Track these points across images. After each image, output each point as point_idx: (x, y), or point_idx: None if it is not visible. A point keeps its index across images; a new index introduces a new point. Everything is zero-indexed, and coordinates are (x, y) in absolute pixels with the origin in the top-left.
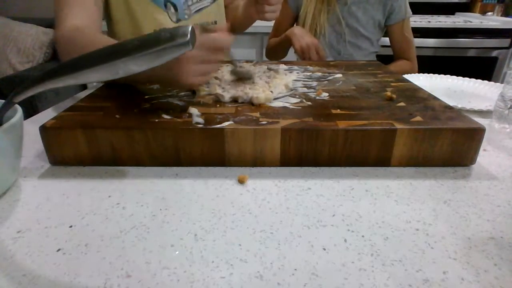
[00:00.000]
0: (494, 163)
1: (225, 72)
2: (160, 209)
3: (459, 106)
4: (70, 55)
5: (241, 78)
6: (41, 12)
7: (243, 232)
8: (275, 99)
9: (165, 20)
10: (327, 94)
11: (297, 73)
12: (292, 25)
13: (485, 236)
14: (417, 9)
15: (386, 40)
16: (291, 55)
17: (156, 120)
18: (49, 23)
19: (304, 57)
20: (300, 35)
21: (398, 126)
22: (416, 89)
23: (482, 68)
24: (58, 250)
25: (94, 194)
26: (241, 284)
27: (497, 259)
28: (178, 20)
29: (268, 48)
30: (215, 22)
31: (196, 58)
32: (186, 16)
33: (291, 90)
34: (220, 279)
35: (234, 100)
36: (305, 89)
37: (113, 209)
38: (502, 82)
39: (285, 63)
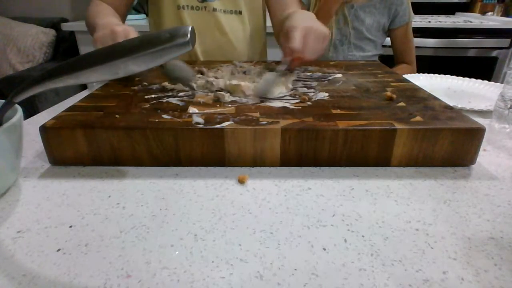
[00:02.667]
0: (494, 163)
1: (225, 72)
2: (160, 209)
3: (459, 106)
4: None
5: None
6: (41, 12)
7: (243, 232)
8: (275, 99)
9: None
10: (327, 94)
11: (297, 73)
12: None
13: (485, 236)
14: (417, 9)
15: (386, 41)
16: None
17: (156, 120)
18: (49, 23)
19: None
20: None
21: (398, 126)
22: (416, 89)
23: (482, 68)
24: (58, 250)
25: (94, 194)
26: (241, 284)
27: (497, 259)
28: (203, 1)
29: None
30: (240, 12)
31: None
32: None
33: (292, 90)
34: (220, 279)
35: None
36: (305, 89)
37: (113, 209)
38: (502, 82)
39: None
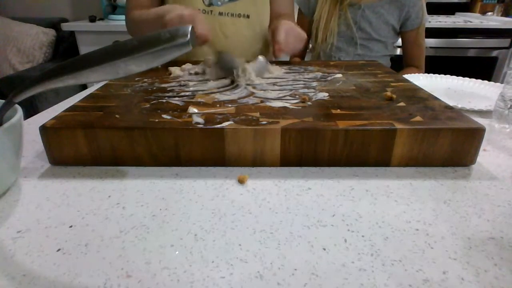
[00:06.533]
0: (494, 163)
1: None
2: (160, 209)
3: (459, 106)
4: (135, 32)
5: (226, 69)
6: (41, 12)
7: (243, 232)
8: (275, 99)
9: (197, 2)
10: (327, 94)
11: (295, 70)
12: (309, 30)
13: (485, 236)
14: None
15: (400, 41)
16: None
17: (156, 120)
18: (49, 23)
19: None
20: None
21: (398, 126)
22: (416, 89)
23: (482, 68)
24: (58, 250)
25: (94, 194)
26: (241, 284)
27: (497, 259)
28: (210, 4)
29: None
30: (248, 16)
31: None
32: (219, 3)
33: (291, 90)
34: (220, 279)
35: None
36: (305, 89)
37: (113, 209)
38: (502, 82)
39: (285, 63)
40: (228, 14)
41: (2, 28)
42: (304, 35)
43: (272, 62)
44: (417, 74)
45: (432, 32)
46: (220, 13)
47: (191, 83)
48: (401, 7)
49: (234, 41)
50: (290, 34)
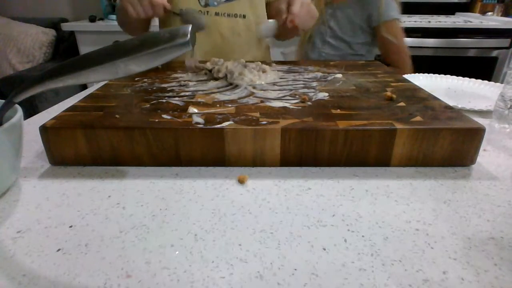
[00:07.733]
0: (494, 163)
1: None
2: (160, 209)
3: (459, 106)
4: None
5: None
6: (41, 12)
7: (243, 232)
8: (275, 99)
9: (193, 2)
10: (327, 94)
11: (296, 70)
12: None
13: (485, 236)
14: (417, 9)
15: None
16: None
17: (156, 120)
18: (49, 23)
19: None
20: None
21: (398, 126)
22: (416, 89)
23: (482, 68)
24: (58, 250)
25: (94, 194)
26: (241, 284)
27: (497, 259)
28: (206, 5)
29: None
30: (244, 16)
31: None
32: (215, 3)
33: (291, 90)
34: (220, 279)
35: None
36: (305, 89)
37: (113, 209)
38: (502, 82)
39: (285, 63)
40: (225, 14)
41: (2, 28)
42: (316, 12)
43: (273, 63)
44: (417, 74)
45: (432, 32)
46: (217, 13)
47: (191, 83)
48: (365, 5)
49: (230, 41)
50: (304, 7)
